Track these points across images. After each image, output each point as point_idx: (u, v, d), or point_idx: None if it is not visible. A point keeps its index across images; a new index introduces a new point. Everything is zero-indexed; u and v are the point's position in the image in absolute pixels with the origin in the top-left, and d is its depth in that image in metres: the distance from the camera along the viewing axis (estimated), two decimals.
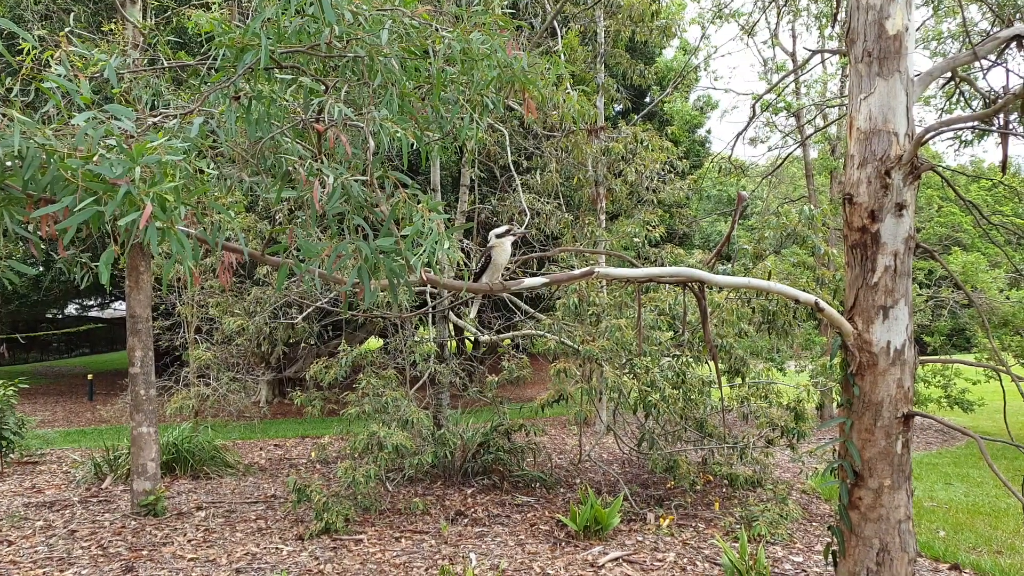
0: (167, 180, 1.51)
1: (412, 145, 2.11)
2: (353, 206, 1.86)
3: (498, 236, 3.14)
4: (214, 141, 2.41)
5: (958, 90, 3.92)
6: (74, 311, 29.60)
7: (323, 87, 2.03)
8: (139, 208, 1.45)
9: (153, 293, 12.12)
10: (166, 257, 10.37)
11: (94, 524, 7.16)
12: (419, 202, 1.89)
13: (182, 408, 10.34)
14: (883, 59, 3.09)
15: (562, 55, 9.06)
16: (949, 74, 3.46)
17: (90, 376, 19.74)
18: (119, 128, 1.56)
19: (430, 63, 2.11)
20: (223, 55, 2.03)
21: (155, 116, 2.07)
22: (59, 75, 1.69)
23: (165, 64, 2.45)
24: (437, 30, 2.12)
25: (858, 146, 3.17)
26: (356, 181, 1.85)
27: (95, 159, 1.48)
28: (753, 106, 7.27)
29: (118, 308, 28.94)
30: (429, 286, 8.63)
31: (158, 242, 1.49)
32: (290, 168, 2.03)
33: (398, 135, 1.95)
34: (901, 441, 3.10)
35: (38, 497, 8.26)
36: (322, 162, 1.87)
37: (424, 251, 1.82)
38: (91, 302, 28.28)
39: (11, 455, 10.17)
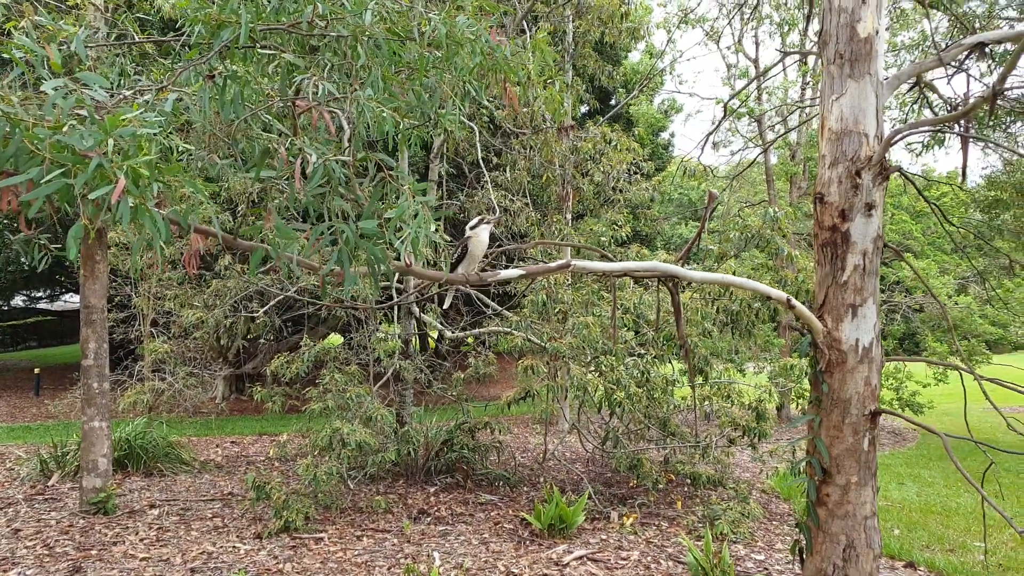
0: (141, 154, 1.44)
1: (396, 127, 2.06)
2: (334, 188, 1.80)
3: (472, 227, 3.10)
4: (186, 121, 2.33)
5: (922, 95, 4.02)
6: (21, 303, 28.68)
7: (304, 64, 1.97)
8: (111, 182, 1.38)
9: (108, 284, 11.82)
10: (126, 248, 10.08)
11: (40, 523, 6.91)
12: (403, 184, 1.84)
13: (136, 403, 10.07)
14: (854, 61, 3.14)
15: (531, 53, 9.03)
16: (914, 79, 3.53)
17: (37, 370, 19.11)
18: (90, 98, 1.49)
19: (412, 48, 2.06)
20: (198, 32, 1.95)
21: (128, 91, 1.98)
22: (24, 45, 1.60)
23: (137, 39, 2.35)
24: (422, 12, 2.07)
25: (829, 146, 3.22)
26: (338, 162, 1.79)
27: (64, 129, 1.40)
28: (725, 105, 7.34)
29: (68, 300, 28.11)
30: (396, 280, 8.55)
31: (130, 219, 1.42)
32: (270, 147, 1.95)
33: (383, 115, 1.89)
34: (868, 438, 3.15)
35: None
36: (304, 141, 1.81)
37: (408, 235, 1.77)
38: (40, 294, 27.40)
39: None
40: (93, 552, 6.15)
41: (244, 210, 8.21)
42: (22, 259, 18.84)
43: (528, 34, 10.09)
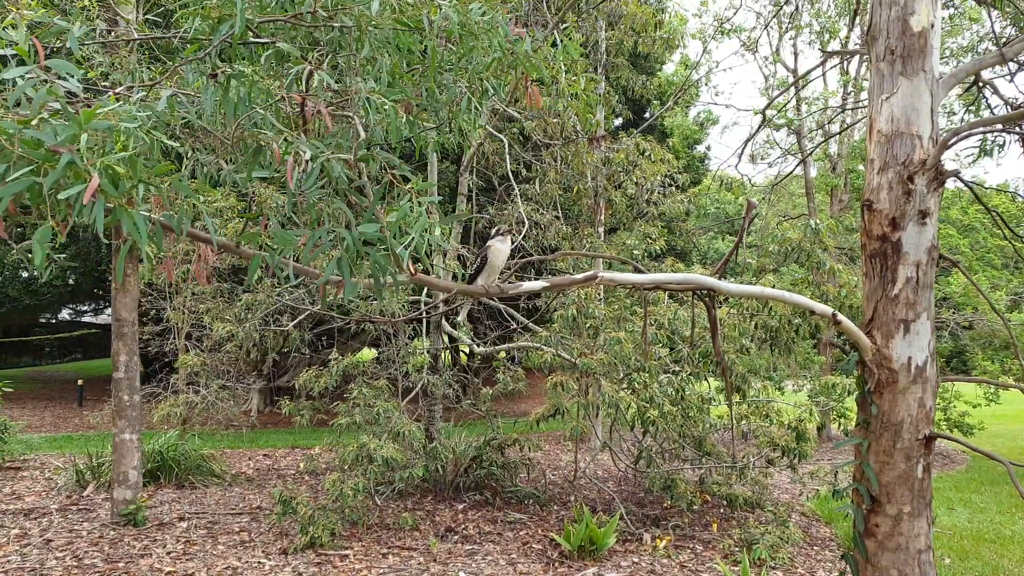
0: (118, 149, 1.32)
1: (404, 124, 1.92)
2: (334, 189, 1.66)
3: (492, 236, 2.95)
4: (188, 124, 2.22)
5: (980, 95, 3.77)
6: (67, 316, 29.50)
7: (300, 54, 1.83)
8: (85, 180, 1.26)
9: (143, 298, 11.95)
10: (160, 261, 10.17)
11: (71, 533, 6.91)
12: (407, 182, 1.68)
13: (169, 415, 10.12)
14: (907, 57, 2.92)
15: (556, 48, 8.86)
16: (971, 79, 3.30)
17: (80, 381, 19.48)
18: (64, 89, 1.38)
19: (424, 43, 1.92)
20: (196, 26, 1.84)
21: (118, 88, 1.88)
22: (6, 39, 1.51)
23: (136, 37, 2.26)
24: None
25: (879, 149, 3.00)
26: (339, 160, 1.65)
27: (35, 123, 1.29)
28: (763, 113, 7.11)
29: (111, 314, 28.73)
30: (424, 293, 8.43)
31: (105, 223, 1.30)
32: (263, 143, 1.81)
33: (386, 107, 1.74)
34: (922, 465, 2.90)
35: (17, 504, 8.00)
36: (299, 136, 1.67)
37: (412, 240, 1.61)
38: (85, 307, 28.11)
39: None
40: (120, 565, 6.11)
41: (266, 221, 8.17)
42: (68, 273, 19.39)
43: (560, 45, 9.96)
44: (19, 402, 19.28)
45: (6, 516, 7.48)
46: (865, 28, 3.13)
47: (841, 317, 2.92)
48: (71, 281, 20.34)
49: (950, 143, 2.79)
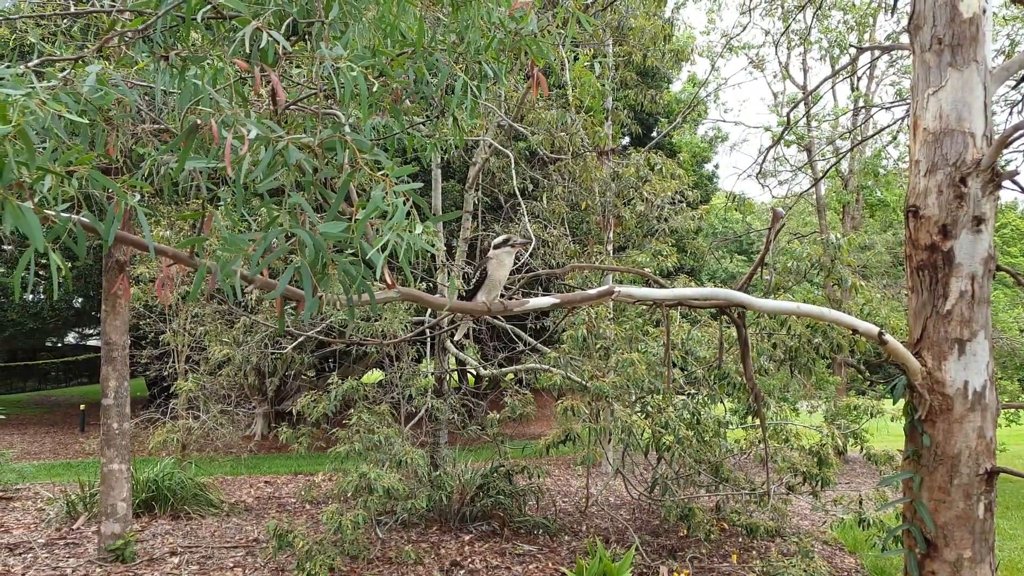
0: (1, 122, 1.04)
1: (388, 108, 1.63)
2: (297, 182, 1.37)
3: (496, 247, 2.63)
4: (161, 130, 1.94)
5: None
6: (73, 339, 29.37)
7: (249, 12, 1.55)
8: None
9: (143, 320, 11.67)
10: (153, 282, 9.88)
11: (55, 571, 6.56)
12: (381, 170, 1.37)
13: (166, 441, 9.78)
14: (956, 47, 2.63)
15: (572, 84, 8.59)
16: (1019, 75, 3.01)
17: (83, 406, 19.19)
18: None
19: (407, 18, 1.63)
20: None
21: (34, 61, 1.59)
22: None
23: (73, 9, 2.00)
24: None
25: (925, 149, 2.69)
26: (299, 144, 1.35)
27: None
28: (784, 132, 6.82)
29: None
30: (428, 313, 8.11)
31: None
32: (199, 121, 1.50)
33: (353, 74, 1.44)
34: (984, 503, 2.56)
35: (3, 538, 7.66)
36: (247, 113, 1.37)
37: (387, 241, 1.30)
38: (90, 330, 28.00)
39: None
40: None
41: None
42: (72, 296, 19.22)
43: (567, 66, 9.70)
44: (21, 428, 19.04)
45: None
46: (908, 15, 2.82)
47: (888, 337, 2.59)
48: (76, 304, 20.22)
49: (1010, 139, 2.47)
